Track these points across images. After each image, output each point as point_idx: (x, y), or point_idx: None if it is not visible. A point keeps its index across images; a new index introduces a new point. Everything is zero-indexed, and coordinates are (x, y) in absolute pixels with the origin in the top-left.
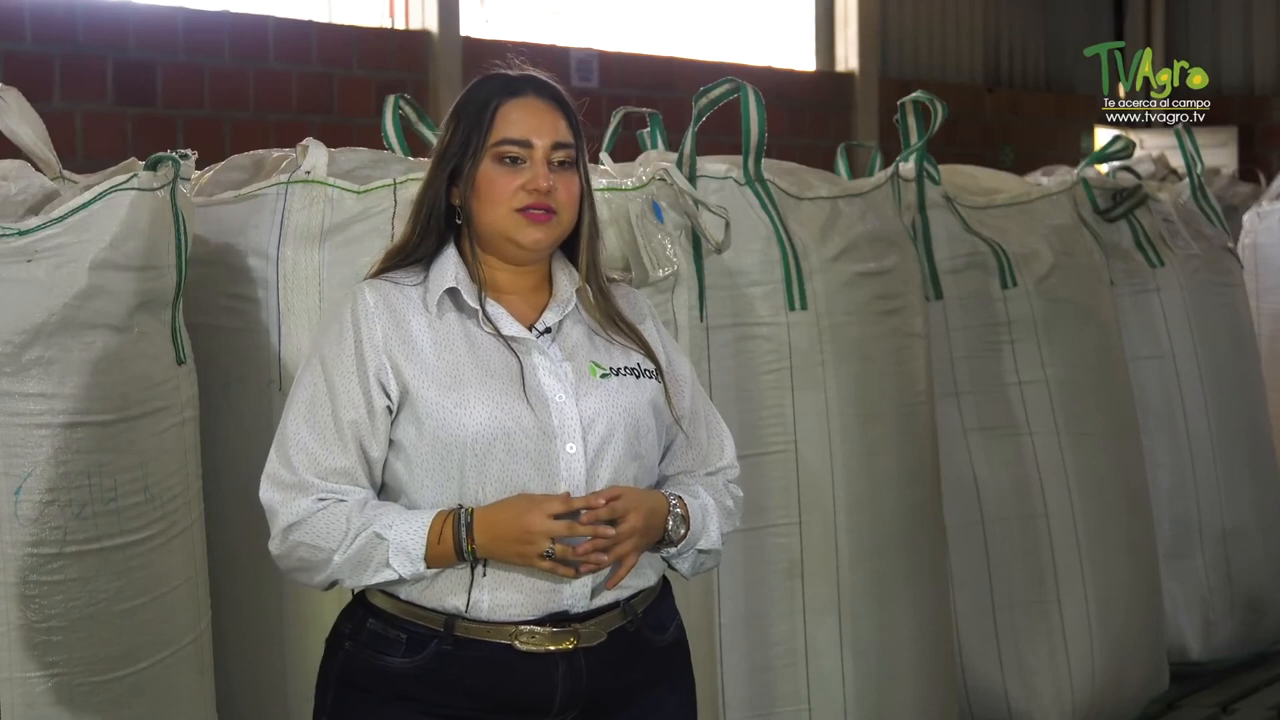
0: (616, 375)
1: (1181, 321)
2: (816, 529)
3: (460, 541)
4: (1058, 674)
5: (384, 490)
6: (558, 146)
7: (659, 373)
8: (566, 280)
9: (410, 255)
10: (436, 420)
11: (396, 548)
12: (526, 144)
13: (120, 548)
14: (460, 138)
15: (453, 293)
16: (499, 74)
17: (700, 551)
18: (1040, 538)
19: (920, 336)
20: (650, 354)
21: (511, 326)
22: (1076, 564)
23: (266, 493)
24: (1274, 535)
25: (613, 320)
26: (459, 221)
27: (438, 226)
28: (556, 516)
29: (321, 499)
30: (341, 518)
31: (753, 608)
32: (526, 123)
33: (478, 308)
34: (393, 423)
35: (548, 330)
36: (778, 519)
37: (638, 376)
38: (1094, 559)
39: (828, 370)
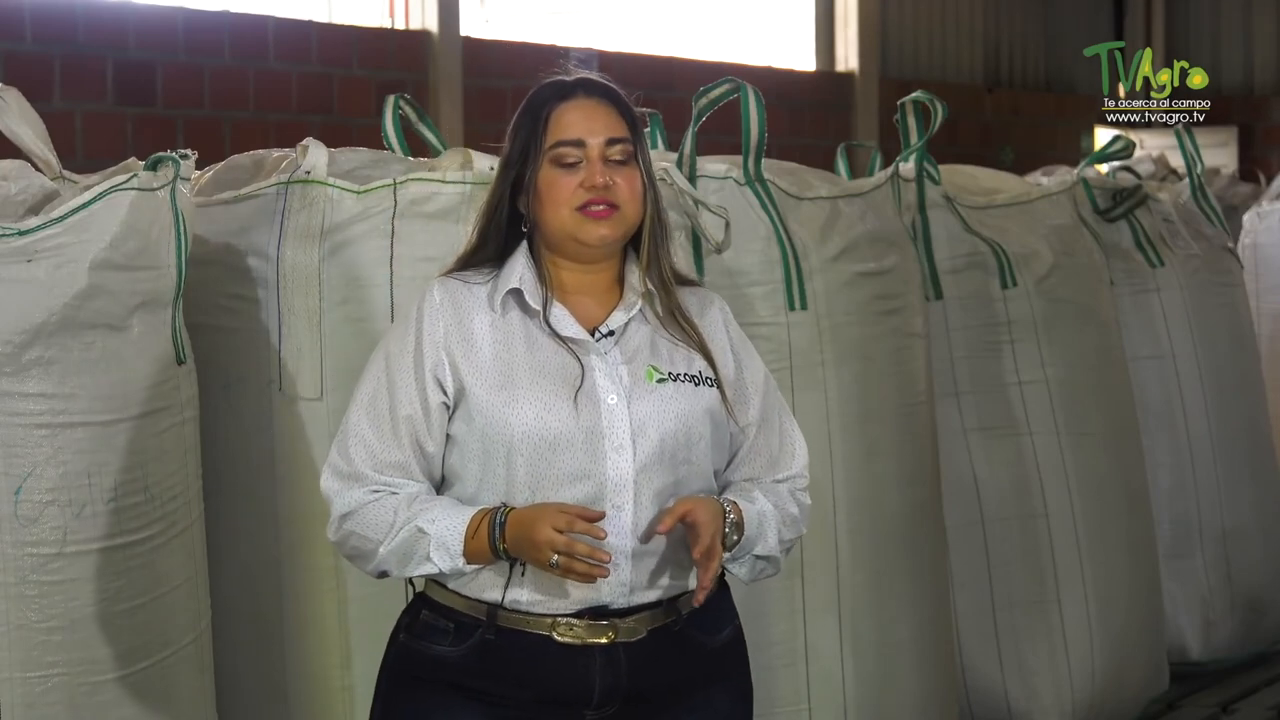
0: (674, 381)
1: (1181, 321)
2: (816, 529)
3: (494, 540)
4: (1058, 674)
5: (443, 483)
6: (612, 142)
7: (719, 381)
8: (636, 282)
9: (474, 261)
10: (485, 417)
11: (437, 542)
12: (580, 143)
13: (120, 548)
14: (519, 146)
15: (517, 293)
16: (553, 80)
17: (758, 558)
18: (1040, 538)
19: (920, 336)
20: (710, 359)
21: (571, 328)
22: (1076, 564)
23: (326, 481)
24: (1274, 535)
25: (673, 316)
26: (525, 230)
27: (498, 234)
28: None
29: (375, 491)
30: (390, 510)
31: (752, 608)
32: (579, 123)
33: (539, 309)
34: (450, 418)
35: (611, 333)
36: None
37: (696, 384)
38: (1094, 559)
39: (828, 370)
